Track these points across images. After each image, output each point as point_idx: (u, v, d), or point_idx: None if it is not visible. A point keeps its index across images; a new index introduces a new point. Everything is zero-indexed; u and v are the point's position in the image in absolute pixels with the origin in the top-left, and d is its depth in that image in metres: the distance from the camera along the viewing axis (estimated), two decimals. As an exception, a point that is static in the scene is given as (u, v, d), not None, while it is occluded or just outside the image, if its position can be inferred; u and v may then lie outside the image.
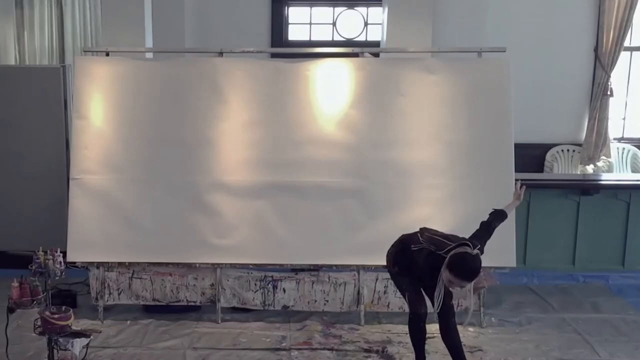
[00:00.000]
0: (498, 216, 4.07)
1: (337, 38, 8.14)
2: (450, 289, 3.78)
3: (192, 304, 5.03)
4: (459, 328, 4.11)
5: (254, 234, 4.92)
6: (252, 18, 7.84)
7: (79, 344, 3.91)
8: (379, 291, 4.98)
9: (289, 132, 4.96)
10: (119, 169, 4.95)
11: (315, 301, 5.01)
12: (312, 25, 8.19)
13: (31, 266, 3.89)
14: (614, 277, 5.86)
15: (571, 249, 5.93)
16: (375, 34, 8.00)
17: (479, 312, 4.94)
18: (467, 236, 3.86)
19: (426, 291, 3.95)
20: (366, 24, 8.14)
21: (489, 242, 4.85)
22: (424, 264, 3.82)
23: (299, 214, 4.92)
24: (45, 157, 5.91)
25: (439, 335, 4.69)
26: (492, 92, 4.97)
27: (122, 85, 5.00)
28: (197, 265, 4.93)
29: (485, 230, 3.99)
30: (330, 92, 4.96)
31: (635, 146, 7.74)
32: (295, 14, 8.16)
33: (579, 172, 7.52)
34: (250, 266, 4.98)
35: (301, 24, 8.19)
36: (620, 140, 7.84)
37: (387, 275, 4.93)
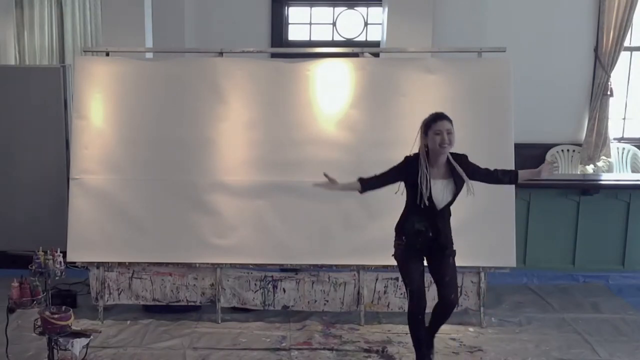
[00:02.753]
0: (508, 173, 4.09)
1: (337, 38, 8.14)
2: (440, 144, 3.81)
3: (192, 304, 5.03)
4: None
5: (253, 234, 4.91)
6: (252, 18, 7.84)
7: (79, 344, 3.90)
8: (379, 291, 4.98)
9: (289, 132, 4.96)
10: (119, 169, 4.95)
11: (315, 301, 5.01)
12: (312, 25, 8.20)
13: (31, 266, 3.89)
14: (614, 277, 5.86)
15: (571, 249, 5.93)
16: (375, 34, 8.00)
17: (479, 312, 4.94)
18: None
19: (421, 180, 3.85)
20: (366, 24, 8.14)
21: (488, 243, 4.88)
22: (414, 163, 3.88)
23: (299, 214, 4.92)
24: (46, 157, 5.90)
25: (439, 335, 4.70)
26: (492, 92, 4.96)
27: (122, 85, 5.00)
28: (197, 265, 4.93)
29: (489, 172, 4.04)
30: (330, 92, 4.96)
31: (635, 146, 7.75)
32: (295, 14, 8.17)
33: (579, 172, 7.52)
34: (250, 266, 4.98)
35: (301, 24, 8.20)
36: (620, 140, 7.84)
37: (387, 275, 4.96)
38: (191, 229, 4.91)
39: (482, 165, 4.90)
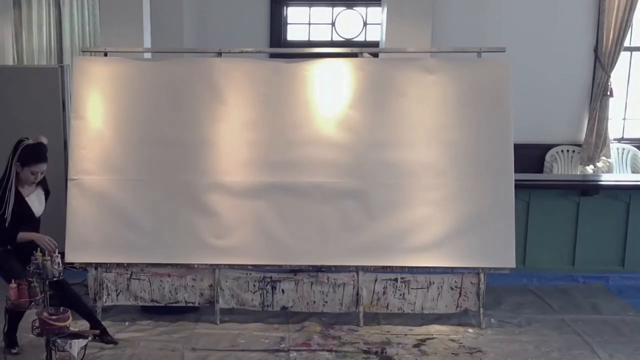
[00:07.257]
0: None
1: (336, 38, 8.13)
2: (33, 181, 4.35)
3: (191, 304, 5.01)
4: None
5: (252, 234, 4.90)
6: (250, 18, 7.83)
7: (77, 345, 3.90)
8: (378, 292, 4.97)
9: (287, 133, 4.94)
10: (117, 169, 4.93)
11: (314, 302, 5.00)
12: (311, 26, 8.19)
13: (29, 267, 3.87)
14: (614, 278, 5.84)
15: (571, 249, 5.92)
16: (374, 34, 7.99)
17: (478, 313, 4.93)
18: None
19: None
20: (365, 24, 8.13)
21: (488, 244, 4.87)
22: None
23: (298, 215, 4.91)
24: (44, 157, 5.88)
25: (439, 336, 4.70)
26: (492, 92, 4.95)
27: (120, 86, 4.98)
28: (196, 266, 4.91)
29: None
30: (329, 92, 4.94)
31: (635, 146, 7.74)
32: (294, 14, 8.15)
33: (578, 173, 7.51)
34: (249, 267, 4.96)
35: (300, 24, 8.18)
36: (620, 140, 7.83)
37: (387, 276, 4.95)
38: (190, 229, 4.89)
39: (483, 166, 4.93)
